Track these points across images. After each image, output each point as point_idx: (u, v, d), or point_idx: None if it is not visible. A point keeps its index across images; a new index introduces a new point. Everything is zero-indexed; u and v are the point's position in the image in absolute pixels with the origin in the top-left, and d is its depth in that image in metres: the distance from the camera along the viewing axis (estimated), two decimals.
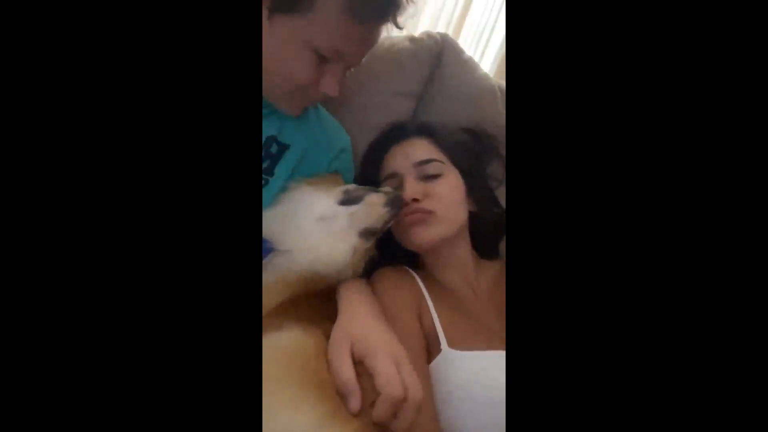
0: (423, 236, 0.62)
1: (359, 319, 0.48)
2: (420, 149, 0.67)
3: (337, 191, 0.60)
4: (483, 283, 0.67)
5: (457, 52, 0.88)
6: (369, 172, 0.72)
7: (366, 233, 0.57)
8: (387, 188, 0.62)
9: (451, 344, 0.54)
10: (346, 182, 0.69)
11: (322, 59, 0.56)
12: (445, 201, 0.63)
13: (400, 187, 0.63)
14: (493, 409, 0.47)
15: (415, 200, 0.61)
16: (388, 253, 0.64)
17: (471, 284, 0.66)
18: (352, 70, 0.63)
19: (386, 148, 0.70)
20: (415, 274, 0.64)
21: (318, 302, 0.53)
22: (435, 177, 0.65)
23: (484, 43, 1.61)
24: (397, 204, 0.58)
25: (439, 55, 0.86)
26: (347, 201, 0.58)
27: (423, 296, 0.61)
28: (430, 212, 0.61)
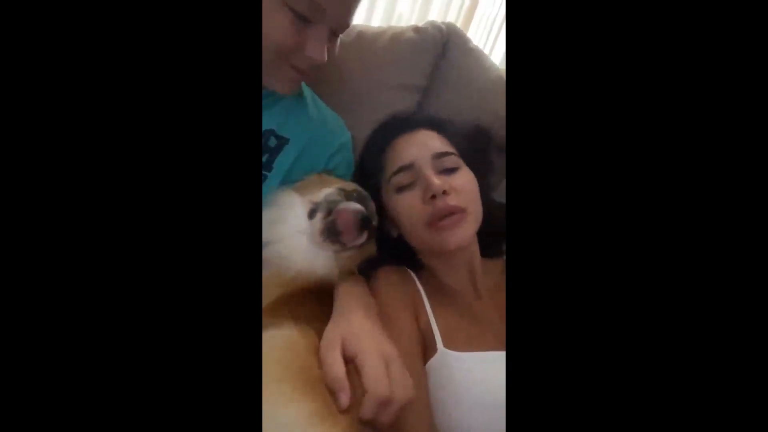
0: (460, 237, 0.57)
1: (352, 318, 0.48)
2: (435, 141, 0.63)
3: (309, 202, 0.58)
4: (486, 282, 0.64)
5: (464, 41, 0.86)
6: (371, 161, 0.68)
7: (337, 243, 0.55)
8: (353, 203, 0.58)
9: (448, 345, 0.53)
10: (345, 178, 0.68)
11: (302, 19, 0.53)
12: (471, 196, 0.60)
13: (419, 179, 0.59)
14: (489, 410, 0.46)
15: (445, 192, 0.57)
16: (388, 252, 0.63)
17: (475, 284, 0.63)
18: (341, 36, 0.60)
19: (392, 136, 0.66)
20: (413, 275, 0.63)
21: (313, 301, 0.53)
22: (453, 170, 0.61)
23: (495, 33, 1.58)
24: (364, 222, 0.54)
25: (444, 45, 0.84)
26: (313, 213, 0.56)
27: (420, 296, 0.59)
28: (464, 210, 0.57)
